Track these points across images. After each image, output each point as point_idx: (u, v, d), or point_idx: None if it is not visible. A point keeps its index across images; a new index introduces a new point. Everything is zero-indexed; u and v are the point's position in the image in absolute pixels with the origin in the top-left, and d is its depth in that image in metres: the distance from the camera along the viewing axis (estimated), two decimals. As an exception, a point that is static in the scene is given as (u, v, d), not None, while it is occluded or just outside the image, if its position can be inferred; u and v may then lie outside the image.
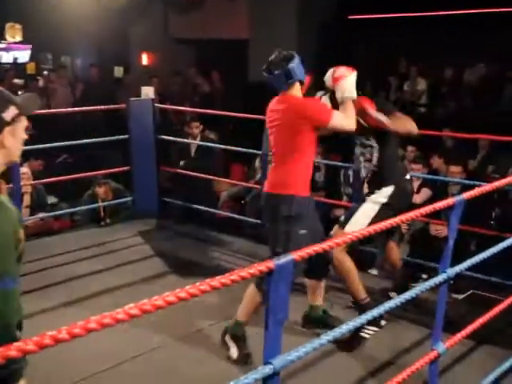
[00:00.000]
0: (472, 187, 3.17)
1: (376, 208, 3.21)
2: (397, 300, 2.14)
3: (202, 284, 1.47)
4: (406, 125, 3.16)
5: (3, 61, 14.45)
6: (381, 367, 2.99)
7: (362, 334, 3.09)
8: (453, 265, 2.38)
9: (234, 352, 2.99)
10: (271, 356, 1.65)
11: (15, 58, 13.87)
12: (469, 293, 3.82)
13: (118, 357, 2.99)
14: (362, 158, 3.38)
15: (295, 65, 3.03)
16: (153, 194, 5.30)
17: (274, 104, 3.11)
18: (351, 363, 3.01)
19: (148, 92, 5.32)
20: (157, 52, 11.64)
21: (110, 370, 2.89)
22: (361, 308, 3.12)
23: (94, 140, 5.26)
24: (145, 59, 11.75)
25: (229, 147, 5.52)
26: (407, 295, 2.15)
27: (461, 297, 3.99)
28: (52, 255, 4.39)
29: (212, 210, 5.65)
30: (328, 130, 3.07)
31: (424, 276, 4.61)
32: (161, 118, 7.15)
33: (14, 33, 13.03)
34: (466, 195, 2.38)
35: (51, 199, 5.92)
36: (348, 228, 3.22)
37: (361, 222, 3.19)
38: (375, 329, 3.11)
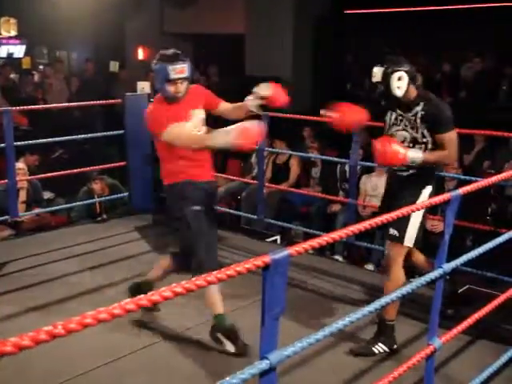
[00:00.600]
0: (468, 182, 3.18)
1: (421, 213, 3.01)
2: (393, 295, 2.15)
3: (198, 279, 1.47)
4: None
5: (-2, 55, 14.37)
6: (377, 362, 3.00)
7: (373, 348, 3.07)
8: (449, 260, 2.39)
9: (229, 347, 3.00)
10: (267, 351, 1.65)
11: (10, 53, 13.82)
12: (465, 288, 3.83)
13: (114, 353, 2.99)
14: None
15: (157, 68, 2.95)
16: (149, 189, 5.29)
17: None
18: (347, 358, 3.03)
19: (144, 87, 5.31)
20: (153, 47, 11.61)
21: (107, 366, 2.89)
22: (383, 327, 3.09)
23: (89, 135, 5.25)
24: (141, 54, 11.72)
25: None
26: (403, 290, 2.16)
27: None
28: (48, 251, 4.39)
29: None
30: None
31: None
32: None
33: (8, 27, 12.95)
34: (462, 190, 2.38)
35: (47, 195, 5.91)
36: (408, 243, 3.03)
37: (414, 232, 3.03)
38: (386, 349, 3.07)
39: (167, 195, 3.21)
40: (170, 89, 2.95)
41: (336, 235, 1.88)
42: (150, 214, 5.27)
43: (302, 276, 3.98)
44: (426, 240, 4.17)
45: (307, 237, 5.29)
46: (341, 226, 5.10)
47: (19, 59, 12.15)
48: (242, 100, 3.21)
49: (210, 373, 2.85)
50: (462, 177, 4.51)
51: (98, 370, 2.85)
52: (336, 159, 5.40)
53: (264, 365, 1.62)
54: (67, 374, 2.80)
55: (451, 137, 2.95)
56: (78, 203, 5.47)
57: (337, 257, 5.19)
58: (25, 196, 5.32)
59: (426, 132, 2.97)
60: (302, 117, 4.98)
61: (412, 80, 2.99)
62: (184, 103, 3.04)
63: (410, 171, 3.04)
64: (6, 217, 4.71)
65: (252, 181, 5.74)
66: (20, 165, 5.24)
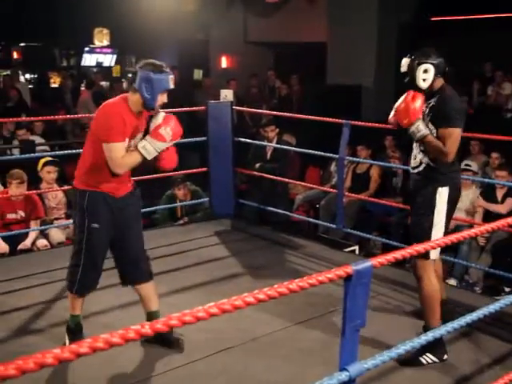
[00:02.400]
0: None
1: (442, 223, 2.98)
2: (479, 313, 2.06)
3: (280, 286, 1.48)
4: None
5: (88, 64, 15.15)
6: (459, 382, 2.88)
7: (421, 358, 2.95)
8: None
9: None
10: (347, 362, 1.63)
11: (99, 62, 14.50)
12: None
13: (188, 357, 3.02)
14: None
15: (144, 75, 2.79)
16: (229, 195, 5.37)
17: None
18: (428, 375, 2.92)
19: (227, 94, 5.41)
20: (236, 55, 11.83)
21: (183, 368, 2.94)
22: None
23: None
24: (224, 62, 11.97)
25: (304, 150, 5.50)
26: (491, 308, 2.06)
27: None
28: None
29: (287, 213, 5.66)
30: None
31: (507, 289, 4.41)
32: (237, 120, 7.25)
33: (101, 37, 13.62)
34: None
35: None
36: (433, 256, 3.01)
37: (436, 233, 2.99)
38: (436, 360, 2.96)
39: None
40: (160, 99, 2.83)
41: (421, 248, 1.83)
42: (229, 219, 5.35)
43: (380, 288, 3.89)
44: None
45: (386, 248, 5.18)
46: (422, 239, 4.95)
47: (110, 68, 12.72)
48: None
49: (286, 382, 2.84)
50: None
51: (172, 372, 2.90)
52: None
53: (344, 376, 1.60)
54: (144, 374, 2.88)
55: (451, 133, 2.90)
56: (160, 206, 5.64)
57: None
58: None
59: (430, 124, 2.96)
60: (384, 125, 4.88)
61: (439, 73, 2.99)
62: (143, 119, 2.92)
63: (420, 169, 3.04)
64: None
65: (331, 189, 5.70)
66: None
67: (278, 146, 6.08)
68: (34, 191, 5.04)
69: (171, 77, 2.84)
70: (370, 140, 6.41)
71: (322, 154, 5.08)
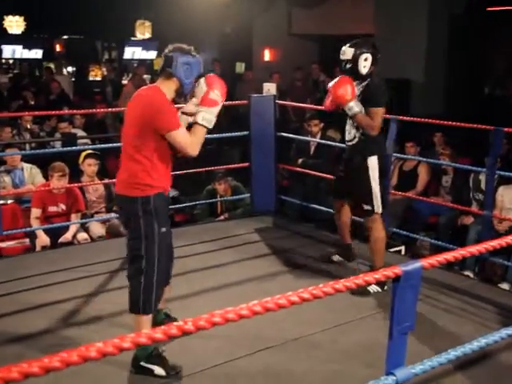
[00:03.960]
0: None
1: (376, 177, 3.81)
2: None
3: (325, 286, 1.47)
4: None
5: (129, 56, 15.38)
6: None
7: (368, 288, 3.72)
8: None
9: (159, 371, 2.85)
10: (394, 367, 1.61)
11: (142, 55, 14.68)
12: None
13: (229, 355, 3.04)
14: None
15: (183, 59, 2.77)
16: (270, 191, 5.37)
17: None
18: (477, 380, 2.86)
19: (270, 88, 5.40)
20: (279, 48, 11.80)
21: (225, 365, 2.96)
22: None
23: (215, 136, 5.43)
24: (267, 55, 11.95)
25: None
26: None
27: None
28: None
29: (330, 210, 5.61)
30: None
31: None
32: (280, 114, 7.23)
33: (143, 30, 13.81)
34: None
35: (172, 192, 6.20)
36: (378, 210, 3.84)
37: (377, 196, 3.82)
38: (379, 289, 3.76)
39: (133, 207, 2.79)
40: (193, 84, 2.83)
41: (474, 249, 1.79)
42: (270, 216, 5.35)
43: (429, 291, 3.82)
44: None
45: (434, 249, 5.09)
46: (473, 240, 4.86)
47: (151, 61, 12.89)
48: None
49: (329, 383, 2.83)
50: None
51: (212, 370, 2.92)
52: (470, 167, 5.14)
53: (390, 380, 1.58)
54: (184, 371, 2.91)
55: (377, 111, 3.73)
56: (200, 202, 5.69)
57: (467, 272, 4.94)
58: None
59: (360, 104, 3.75)
60: (434, 121, 4.79)
61: (374, 61, 3.76)
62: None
63: (354, 141, 3.88)
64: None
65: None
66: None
67: (322, 141, 6.04)
68: (76, 184, 5.16)
69: (201, 60, 2.88)
70: (419, 136, 6.30)
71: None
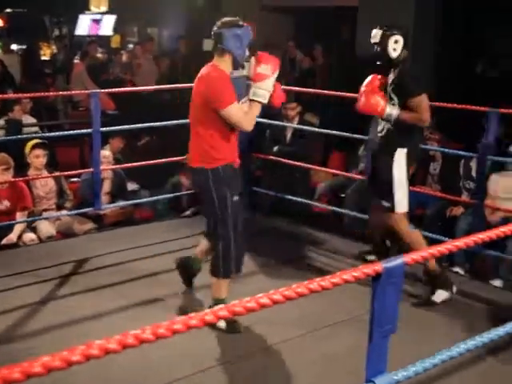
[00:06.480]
0: None
1: (403, 177, 3.78)
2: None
3: (299, 286, 1.48)
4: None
5: (82, 33, 15.18)
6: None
7: (433, 298, 3.68)
8: None
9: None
10: (374, 374, 1.63)
11: (96, 31, 14.47)
12: None
13: (202, 362, 3.06)
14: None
15: (230, 33, 3.24)
16: (242, 183, 5.36)
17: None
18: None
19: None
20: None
21: (195, 376, 2.97)
22: (433, 278, 3.77)
23: (180, 121, 5.40)
24: (237, 30, 11.91)
25: (329, 131, 5.48)
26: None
27: None
28: (133, 247, 4.56)
29: (307, 202, 5.65)
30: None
31: None
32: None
33: (98, 3, 13.63)
34: None
35: (131, 186, 6.16)
36: (400, 209, 3.78)
37: (403, 195, 3.77)
38: (448, 295, 3.69)
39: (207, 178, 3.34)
40: (247, 53, 3.25)
41: (461, 242, 1.82)
42: (242, 210, 5.34)
43: (414, 288, 3.88)
44: None
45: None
46: (463, 233, 4.92)
47: (108, 37, 12.71)
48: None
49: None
50: None
51: (185, 380, 2.93)
52: (460, 152, 5.20)
53: (370, 389, 1.60)
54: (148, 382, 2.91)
55: (421, 100, 3.66)
56: (163, 196, 5.66)
57: (457, 269, 5.01)
58: (109, 187, 5.57)
59: (393, 94, 3.73)
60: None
61: (406, 44, 3.72)
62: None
63: (383, 133, 3.84)
64: (89, 209, 4.96)
65: (358, 176, 5.68)
66: (106, 153, 5.50)
67: (299, 126, 6.06)
68: (21, 178, 5.08)
69: (250, 27, 3.28)
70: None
71: (349, 135, 5.05)
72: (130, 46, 12.00)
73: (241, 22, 3.27)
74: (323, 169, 6.23)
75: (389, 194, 3.75)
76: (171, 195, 5.71)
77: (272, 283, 3.94)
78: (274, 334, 3.35)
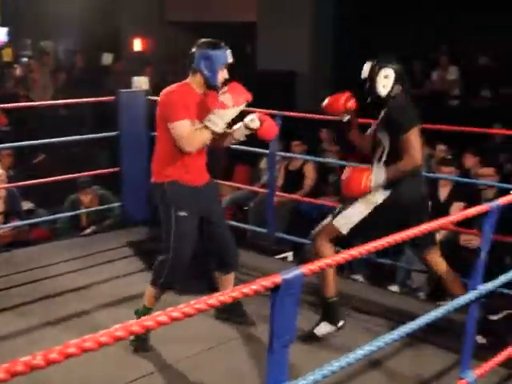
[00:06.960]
0: (508, 192, 3.18)
1: (370, 207, 3.28)
2: (420, 321, 2.15)
3: (198, 302, 1.48)
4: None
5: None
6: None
7: (315, 331, 3.40)
8: (485, 281, 2.38)
9: None
10: (276, 383, 1.66)
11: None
12: (504, 314, 3.81)
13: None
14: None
15: (201, 54, 3.22)
16: (144, 198, 5.31)
17: None
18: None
19: (141, 82, 5.34)
20: (152, 37, 11.70)
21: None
22: (326, 306, 3.43)
23: (77, 137, 5.30)
24: (138, 45, 11.81)
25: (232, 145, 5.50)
26: (432, 315, 2.15)
27: (495, 318, 3.99)
28: (29, 269, 4.40)
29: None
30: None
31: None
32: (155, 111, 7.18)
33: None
34: (502, 201, 2.38)
35: (26, 205, 5.95)
36: (338, 225, 3.33)
37: (351, 217, 3.31)
38: (332, 329, 3.39)
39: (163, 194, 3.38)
40: (221, 75, 3.25)
41: (356, 252, 1.89)
42: (145, 227, 5.28)
43: (315, 298, 3.96)
44: (458, 257, 4.18)
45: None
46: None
47: (-1, 50, 12.22)
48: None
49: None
50: (503, 185, 4.48)
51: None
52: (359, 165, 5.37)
53: (271, 400, 1.63)
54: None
55: (408, 139, 3.17)
56: (62, 215, 5.51)
57: (357, 276, 5.18)
58: (1, 206, 5.36)
59: (382, 131, 3.30)
60: (320, 116, 4.96)
61: (398, 80, 3.28)
62: (213, 100, 3.26)
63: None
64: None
65: (261, 189, 5.76)
66: (-2, 170, 5.29)
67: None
68: None
69: (229, 51, 3.25)
70: (305, 132, 6.52)
71: (251, 149, 5.12)
72: (24, 59, 11.59)
73: (218, 45, 3.25)
74: (227, 182, 6.27)
75: (341, 209, 3.37)
76: (70, 213, 5.56)
77: (176, 299, 3.90)
78: (177, 352, 3.32)
